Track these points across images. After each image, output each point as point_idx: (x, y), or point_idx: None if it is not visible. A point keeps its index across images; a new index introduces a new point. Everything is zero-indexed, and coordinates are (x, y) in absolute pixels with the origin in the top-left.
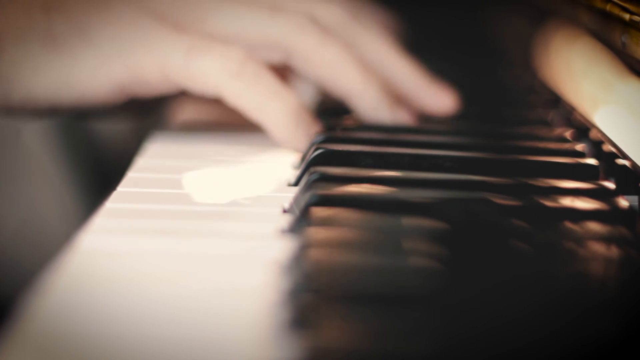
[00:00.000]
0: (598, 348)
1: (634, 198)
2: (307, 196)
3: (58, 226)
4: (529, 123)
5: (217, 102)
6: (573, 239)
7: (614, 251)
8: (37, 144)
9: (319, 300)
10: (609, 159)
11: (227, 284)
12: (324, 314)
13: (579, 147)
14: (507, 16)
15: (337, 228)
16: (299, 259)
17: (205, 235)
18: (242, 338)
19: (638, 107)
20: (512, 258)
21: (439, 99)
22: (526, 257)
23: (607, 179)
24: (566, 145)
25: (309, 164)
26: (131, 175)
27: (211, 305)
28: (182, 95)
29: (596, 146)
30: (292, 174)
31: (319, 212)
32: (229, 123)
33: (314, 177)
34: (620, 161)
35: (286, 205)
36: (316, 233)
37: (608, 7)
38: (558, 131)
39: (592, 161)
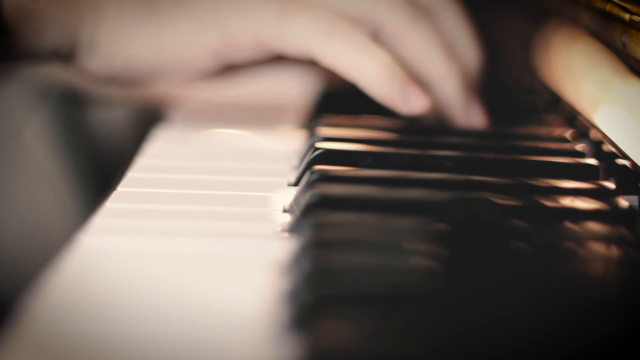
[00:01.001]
0: (598, 348)
1: (634, 198)
2: (307, 196)
3: (58, 226)
4: (529, 123)
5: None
6: (573, 238)
7: (614, 251)
8: (37, 143)
9: (319, 300)
10: (609, 159)
11: (227, 284)
12: (324, 314)
13: (579, 147)
14: (507, 16)
15: (337, 228)
16: (299, 259)
17: (205, 236)
18: (242, 338)
19: (638, 107)
20: (512, 258)
21: (477, 116)
22: (526, 257)
23: (607, 179)
24: (566, 145)
25: (309, 164)
26: (131, 175)
27: (211, 305)
28: (181, 94)
29: (596, 146)
30: (293, 174)
31: (319, 212)
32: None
33: (314, 176)
34: (620, 161)
35: (286, 205)
36: (316, 233)
37: (608, 7)
38: (558, 131)
39: (592, 161)
